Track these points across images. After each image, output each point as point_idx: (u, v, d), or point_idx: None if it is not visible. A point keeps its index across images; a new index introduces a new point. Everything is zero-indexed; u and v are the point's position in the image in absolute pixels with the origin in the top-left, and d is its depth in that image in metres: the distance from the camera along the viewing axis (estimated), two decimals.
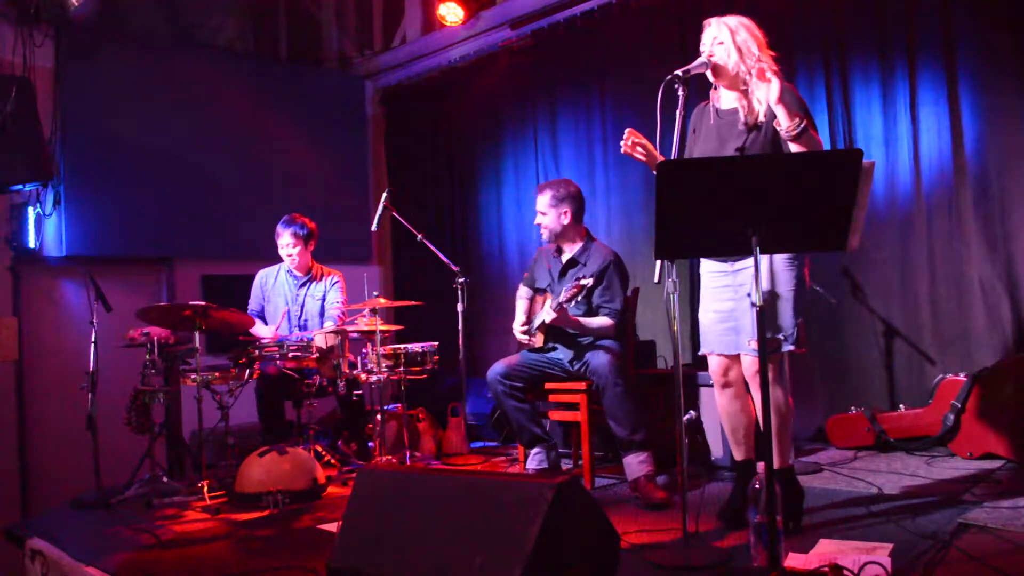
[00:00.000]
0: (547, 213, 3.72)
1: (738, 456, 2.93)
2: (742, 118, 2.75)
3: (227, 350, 4.00)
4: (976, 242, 3.88)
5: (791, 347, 2.69)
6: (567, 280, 3.64)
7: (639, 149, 2.77)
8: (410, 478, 2.43)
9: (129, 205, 5.41)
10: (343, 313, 4.49)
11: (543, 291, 3.87)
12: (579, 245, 3.76)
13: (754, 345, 2.56)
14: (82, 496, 3.82)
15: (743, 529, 2.70)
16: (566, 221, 3.71)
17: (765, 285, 2.66)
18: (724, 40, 2.73)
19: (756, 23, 2.78)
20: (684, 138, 2.83)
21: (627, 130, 2.77)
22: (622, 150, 2.78)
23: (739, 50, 2.71)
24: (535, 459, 3.69)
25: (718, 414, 3.02)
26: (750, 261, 2.72)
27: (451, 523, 2.14)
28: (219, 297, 4.42)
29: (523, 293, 4.03)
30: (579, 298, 3.45)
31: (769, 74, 2.55)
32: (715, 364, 2.89)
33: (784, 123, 2.56)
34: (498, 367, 3.69)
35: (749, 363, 2.74)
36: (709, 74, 2.77)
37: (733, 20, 2.75)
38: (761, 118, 2.71)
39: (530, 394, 3.68)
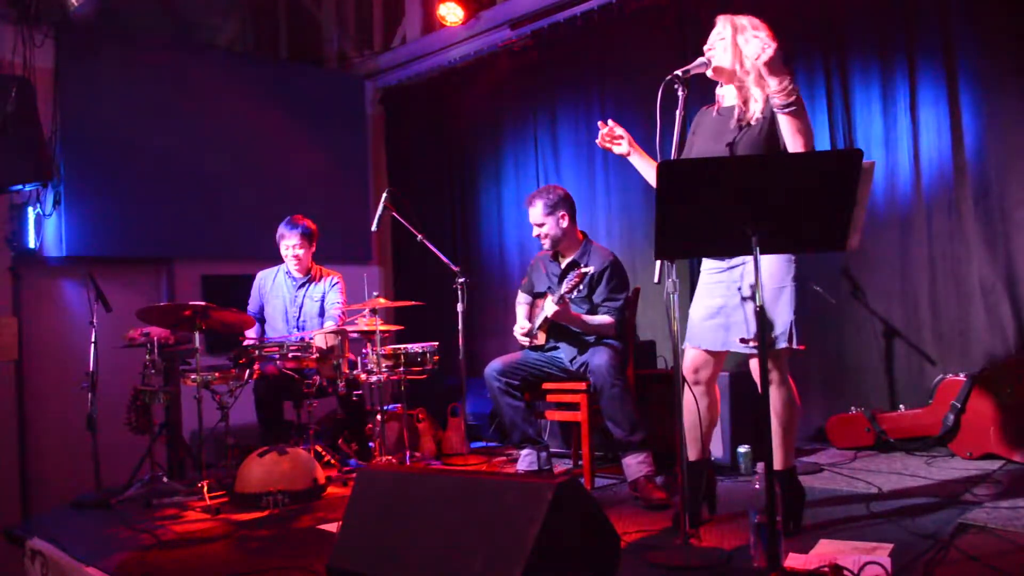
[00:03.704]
0: (544, 223, 3.69)
1: (692, 455, 2.90)
2: (737, 115, 2.75)
3: (227, 350, 4.00)
4: (976, 242, 3.88)
5: (784, 345, 2.67)
6: (568, 281, 3.63)
7: (617, 142, 2.83)
8: (410, 478, 2.43)
9: (129, 205, 5.41)
10: (343, 313, 4.49)
11: (542, 295, 3.85)
12: (578, 248, 3.76)
13: (752, 343, 2.57)
14: (82, 496, 3.83)
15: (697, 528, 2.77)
16: (565, 224, 3.70)
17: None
18: (726, 37, 2.72)
19: (766, 25, 2.75)
20: (684, 138, 2.83)
21: (603, 124, 2.83)
22: (598, 142, 2.84)
23: (738, 49, 2.70)
24: (525, 460, 3.69)
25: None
26: (743, 258, 2.74)
27: (451, 523, 2.14)
28: (219, 297, 4.42)
29: (522, 299, 4.03)
30: (581, 287, 3.44)
31: (764, 39, 2.55)
32: (689, 358, 2.89)
33: (773, 85, 2.54)
34: (496, 364, 3.68)
35: (754, 364, 2.74)
36: (710, 73, 2.76)
37: (743, 20, 2.72)
38: (757, 116, 2.70)
39: (527, 393, 3.68)
